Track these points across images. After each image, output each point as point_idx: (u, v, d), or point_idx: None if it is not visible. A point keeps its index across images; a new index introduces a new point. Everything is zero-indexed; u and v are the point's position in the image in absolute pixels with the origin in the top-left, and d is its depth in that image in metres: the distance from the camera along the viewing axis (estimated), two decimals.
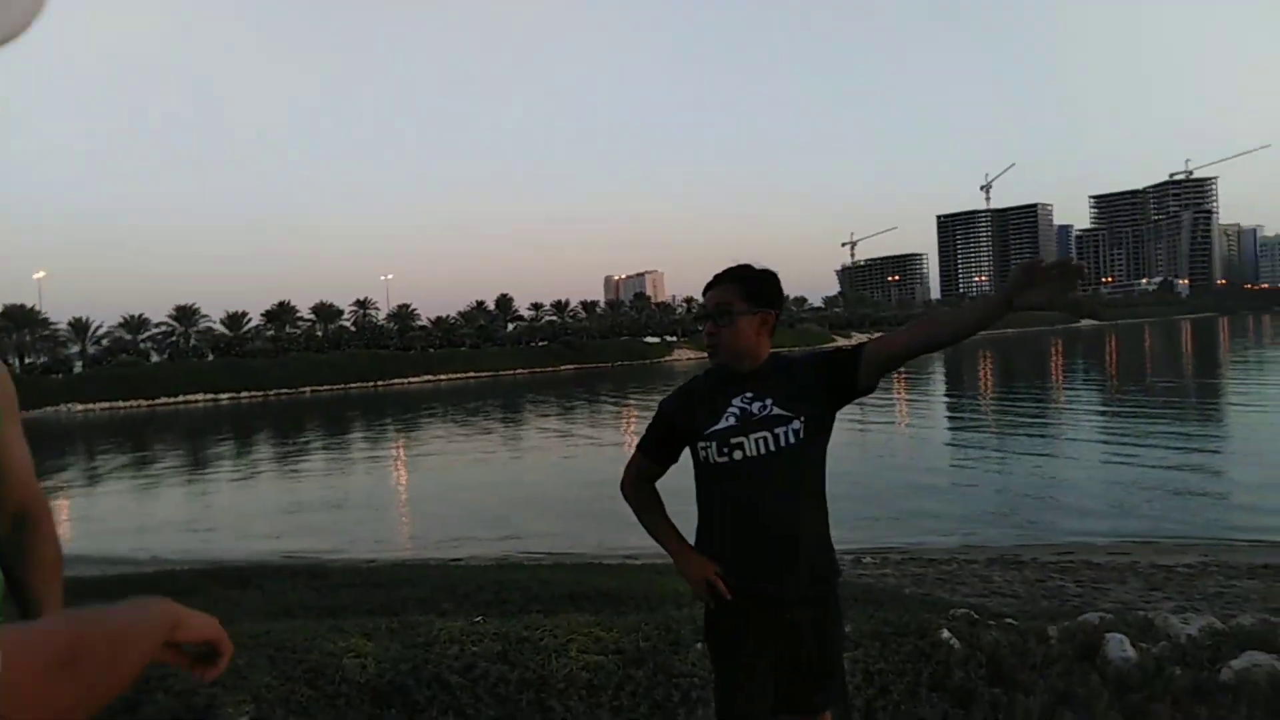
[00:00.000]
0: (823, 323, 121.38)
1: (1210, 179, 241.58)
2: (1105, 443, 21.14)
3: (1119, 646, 3.85)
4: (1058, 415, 28.13)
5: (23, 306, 74.37)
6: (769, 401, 2.25)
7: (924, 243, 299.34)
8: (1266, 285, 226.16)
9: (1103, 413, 28.31)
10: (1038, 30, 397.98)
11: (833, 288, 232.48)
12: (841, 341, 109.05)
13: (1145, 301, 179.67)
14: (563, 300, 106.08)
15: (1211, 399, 31.03)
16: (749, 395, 2.27)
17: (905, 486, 16.61)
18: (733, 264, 2.37)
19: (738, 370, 2.32)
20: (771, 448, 2.22)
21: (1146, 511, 13.22)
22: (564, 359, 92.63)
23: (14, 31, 0.59)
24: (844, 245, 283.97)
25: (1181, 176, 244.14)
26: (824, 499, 2.31)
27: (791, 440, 2.22)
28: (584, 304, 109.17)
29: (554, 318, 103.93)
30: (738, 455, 2.23)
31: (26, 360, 72.49)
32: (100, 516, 18.69)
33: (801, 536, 2.24)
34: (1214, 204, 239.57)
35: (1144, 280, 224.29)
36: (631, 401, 43.47)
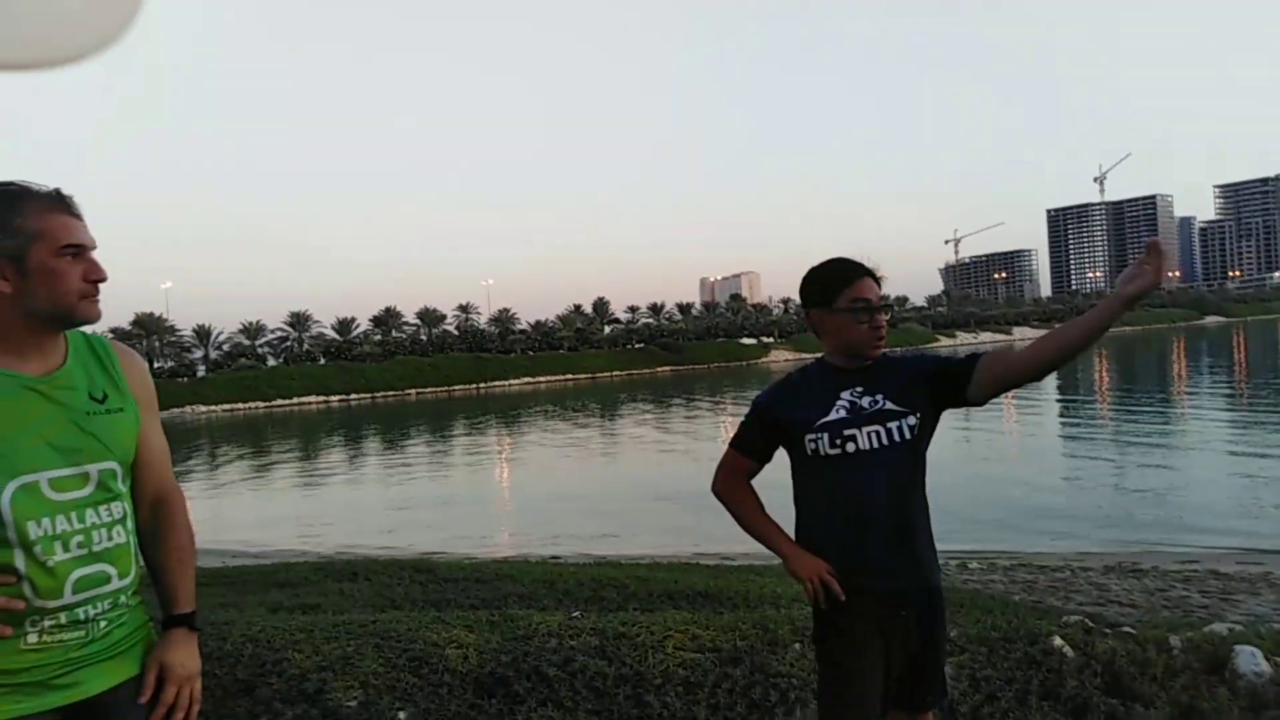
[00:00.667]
0: (925, 322, 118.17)
1: None
2: (1232, 445, 19.91)
3: (1251, 660, 3.61)
4: (1180, 416, 26.67)
5: (152, 315, 79.18)
6: (880, 396, 2.24)
7: (1033, 238, 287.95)
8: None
9: (1229, 414, 26.67)
10: (1151, 14, 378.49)
11: (936, 286, 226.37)
12: (946, 341, 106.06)
13: (1278, 297, 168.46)
14: (658, 303, 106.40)
15: None
16: (859, 390, 2.26)
17: (1015, 489, 16.02)
18: (853, 258, 2.35)
19: (848, 367, 2.31)
20: (885, 441, 2.21)
21: (1273, 522, 12.40)
22: (660, 361, 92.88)
23: (110, 36, 0.62)
24: (947, 243, 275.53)
25: None
26: (927, 495, 2.31)
27: (906, 435, 2.23)
28: (680, 306, 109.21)
29: (650, 320, 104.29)
30: (850, 448, 2.21)
31: (155, 365, 77.09)
32: (220, 511, 19.70)
33: (915, 530, 2.25)
34: None
35: (1276, 274, 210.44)
36: (727, 402, 43.26)
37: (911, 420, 2.23)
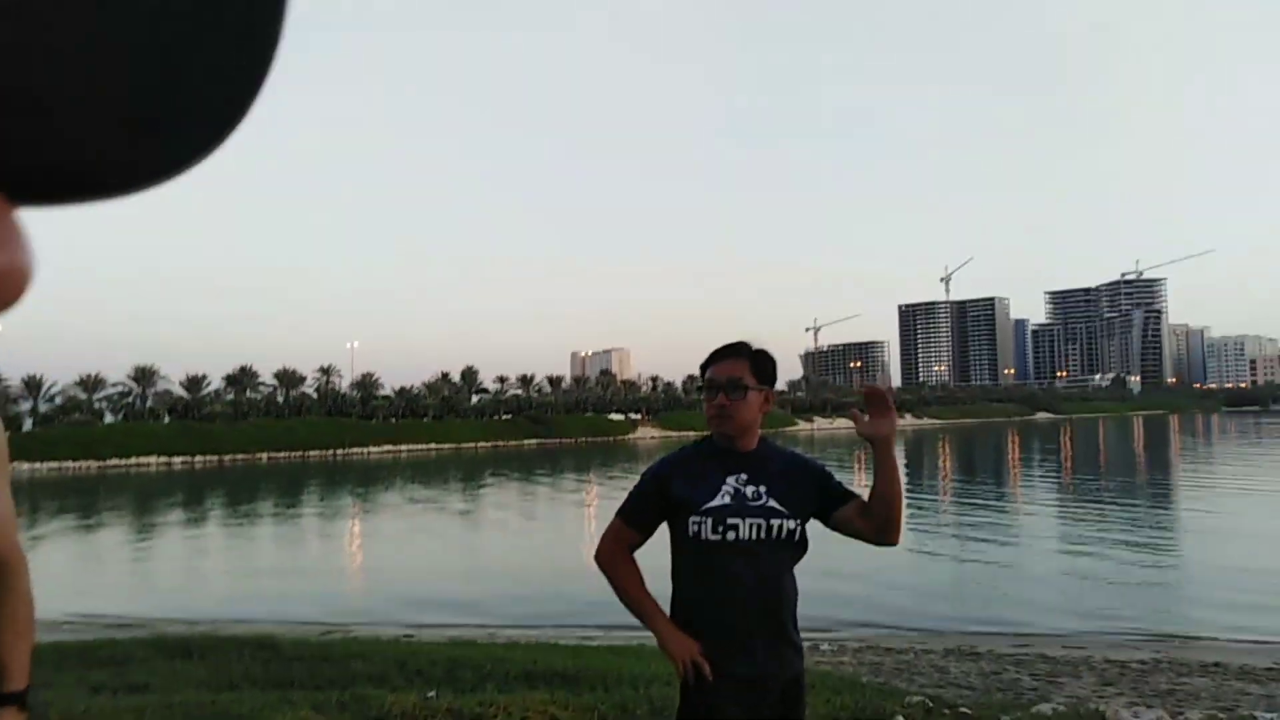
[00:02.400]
0: (785, 406, 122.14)
1: (1160, 280, 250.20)
2: (1062, 534, 21.34)
3: None
4: (1015, 505, 28.39)
5: None
6: (763, 490, 2.30)
7: (886, 330, 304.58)
8: (1214, 385, 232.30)
9: (1059, 504, 28.63)
10: (990, 132, 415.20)
11: (796, 371, 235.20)
12: (804, 425, 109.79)
13: (1099, 396, 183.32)
14: (528, 375, 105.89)
15: (1164, 495, 31.55)
16: (743, 477, 2.31)
17: (863, 573, 16.60)
18: (736, 341, 2.42)
19: (733, 448, 2.35)
20: (764, 535, 2.27)
21: (1101, 605, 13.31)
22: (528, 433, 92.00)
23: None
24: (808, 330, 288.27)
25: (1133, 276, 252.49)
26: (797, 586, 2.39)
27: (783, 535, 2.29)
28: (550, 379, 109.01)
29: (519, 392, 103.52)
30: (731, 536, 2.25)
31: None
32: (40, 579, 18.00)
33: (784, 620, 2.32)
34: (1164, 304, 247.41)
35: (1098, 376, 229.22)
36: (593, 478, 43.17)
37: (792, 525, 2.30)
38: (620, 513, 2.42)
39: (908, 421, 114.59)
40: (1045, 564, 17.04)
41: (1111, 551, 18.08)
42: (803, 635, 2.39)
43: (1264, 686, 8.08)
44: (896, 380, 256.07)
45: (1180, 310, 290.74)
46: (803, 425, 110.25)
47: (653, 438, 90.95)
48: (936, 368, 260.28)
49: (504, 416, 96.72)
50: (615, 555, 2.39)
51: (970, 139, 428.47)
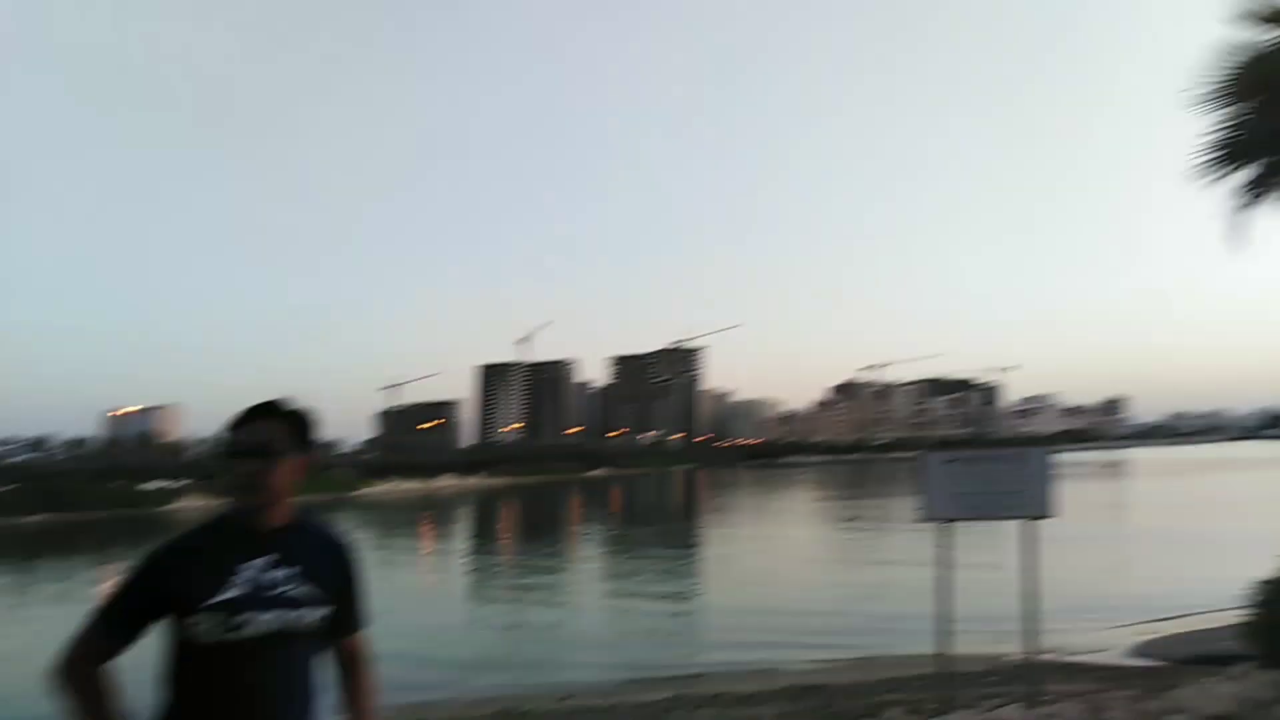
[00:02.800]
0: (357, 467, 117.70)
1: (699, 349, 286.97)
2: (606, 579, 23.13)
3: None
4: (567, 555, 30.19)
5: None
6: (293, 573, 1.96)
7: (464, 390, 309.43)
8: (736, 441, 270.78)
9: (606, 551, 31.05)
10: (569, 193, 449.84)
11: (370, 431, 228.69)
12: (375, 488, 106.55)
13: (648, 454, 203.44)
14: (42, 435, 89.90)
15: (693, 537, 35.80)
16: (266, 560, 1.94)
17: (402, 650, 16.47)
18: (270, 399, 2.06)
19: (257, 525, 1.98)
20: (288, 630, 1.93)
21: (634, 647, 14.58)
22: (35, 506, 77.48)
23: None
24: (383, 389, 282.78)
25: (679, 345, 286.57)
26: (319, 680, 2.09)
27: (311, 626, 1.97)
28: (71, 441, 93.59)
29: (30, 456, 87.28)
30: (244, 635, 1.88)
31: None
32: None
33: None
34: (701, 370, 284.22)
35: (648, 434, 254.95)
36: (112, 564, 37.50)
37: (321, 614, 1.99)
38: (98, 614, 1.93)
39: (477, 481, 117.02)
40: (589, 616, 18.28)
41: (649, 600, 19.96)
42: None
43: (754, 710, 9.40)
44: (471, 438, 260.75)
45: (714, 375, 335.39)
46: (374, 488, 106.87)
47: (197, 508, 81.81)
48: (510, 426, 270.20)
49: (8, 486, 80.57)
50: (83, 668, 1.89)
51: (552, 211, 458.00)
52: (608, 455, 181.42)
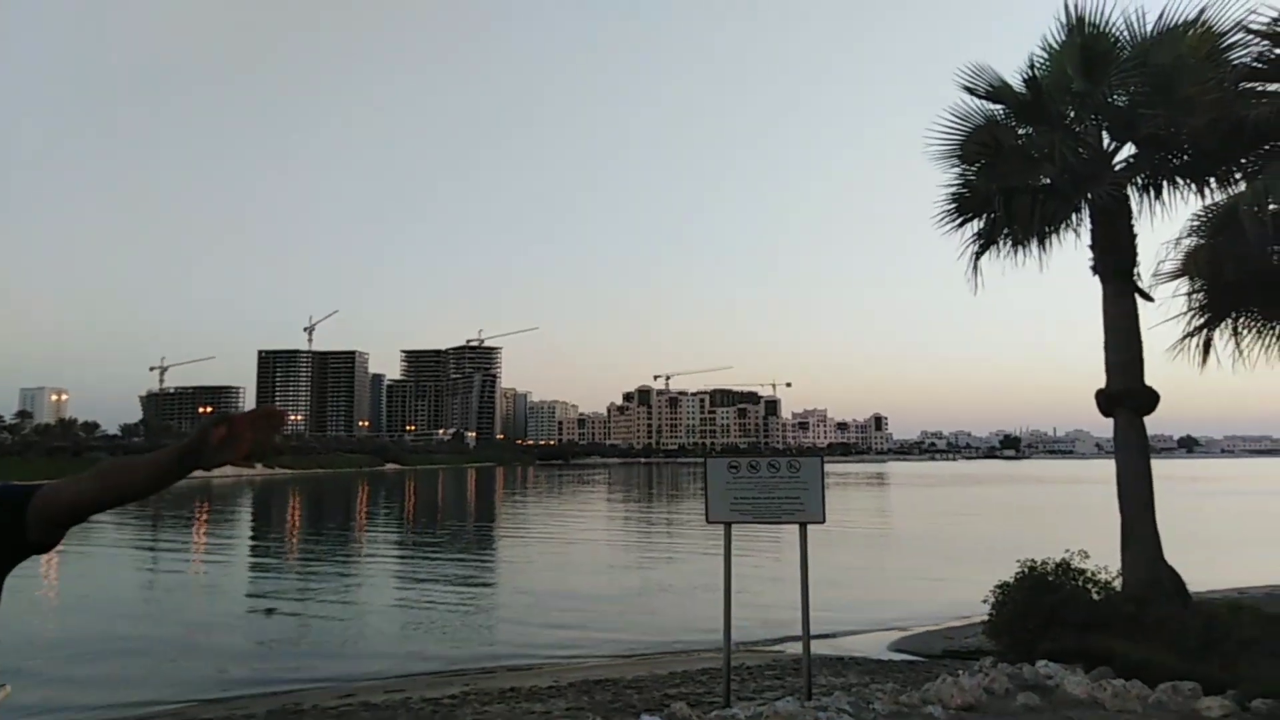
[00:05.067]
0: (117, 451, 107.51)
1: (497, 348, 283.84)
2: (397, 577, 22.45)
3: None
4: (356, 551, 29.05)
5: None
6: None
7: (244, 376, 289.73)
8: (532, 441, 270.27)
9: (396, 549, 30.14)
10: (353, 177, 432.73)
11: (135, 414, 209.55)
12: None
13: (442, 450, 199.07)
14: None
15: (487, 536, 35.44)
16: None
17: (192, 626, 15.34)
18: None
19: None
20: None
21: (426, 644, 14.27)
22: None
23: None
24: (153, 370, 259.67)
25: (475, 343, 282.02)
26: None
27: None
28: None
29: None
30: None
31: None
32: None
33: None
34: (498, 370, 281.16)
35: (441, 431, 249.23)
36: None
37: None
38: None
39: (258, 471, 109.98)
40: (376, 609, 17.71)
41: (438, 593, 19.59)
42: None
43: (546, 704, 9.46)
44: None
45: (511, 376, 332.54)
46: None
47: None
48: (294, 417, 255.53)
49: None
50: None
51: (340, 195, 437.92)
52: (398, 451, 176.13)
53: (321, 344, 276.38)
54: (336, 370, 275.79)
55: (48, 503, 1.65)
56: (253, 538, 36.55)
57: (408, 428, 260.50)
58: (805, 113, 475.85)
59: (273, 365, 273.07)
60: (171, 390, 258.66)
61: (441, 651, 13.70)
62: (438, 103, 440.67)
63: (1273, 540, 29.87)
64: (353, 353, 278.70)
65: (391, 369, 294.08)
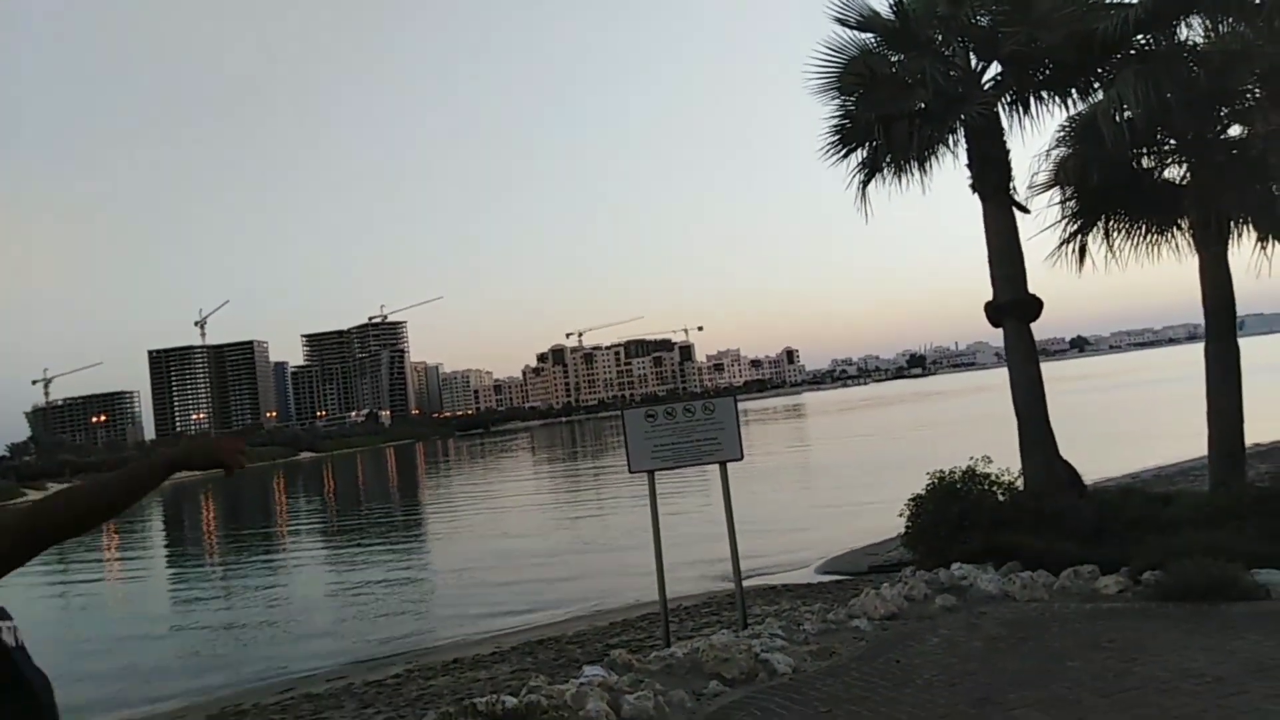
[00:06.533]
0: (9, 474, 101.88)
1: (402, 323, 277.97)
2: (326, 568, 22.14)
3: None
4: (281, 547, 28.44)
5: None
6: None
7: (136, 380, 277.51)
8: (449, 414, 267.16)
9: (321, 540, 29.62)
10: (247, 166, 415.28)
11: (22, 432, 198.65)
12: (35, 495, 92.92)
13: (356, 433, 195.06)
14: None
15: (413, 515, 35.11)
16: None
17: (116, 642, 14.87)
18: None
19: None
20: None
21: (363, 630, 14.18)
22: None
23: None
24: (35, 383, 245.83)
25: (379, 319, 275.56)
26: None
27: None
28: None
29: None
30: None
31: None
32: None
33: None
34: (406, 344, 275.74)
35: (354, 413, 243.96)
36: None
37: None
38: None
39: None
40: (310, 601, 17.48)
41: (370, 579, 19.39)
42: None
43: (490, 670, 9.57)
44: (150, 432, 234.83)
45: (420, 349, 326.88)
46: (34, 495, 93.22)
47: None
48: (195, 416, 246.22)
49: None
50: None
51: (221, 180, 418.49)
52: (311, 438, 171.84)
53: (217, 337, 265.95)
54: (236, 362, 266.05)
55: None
56: (168, 545, 35.42)
57: (319, 414, 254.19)
58: (693, 54, 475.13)
59: (166, 364, 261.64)
60: (60, 402, 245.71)
61: (379, 636, 13.64)
62: (312, 74, 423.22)
63: (1156, 425, 31.92)
64: (250, 342, 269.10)
65: (294, 355, 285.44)
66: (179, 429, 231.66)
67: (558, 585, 16.03)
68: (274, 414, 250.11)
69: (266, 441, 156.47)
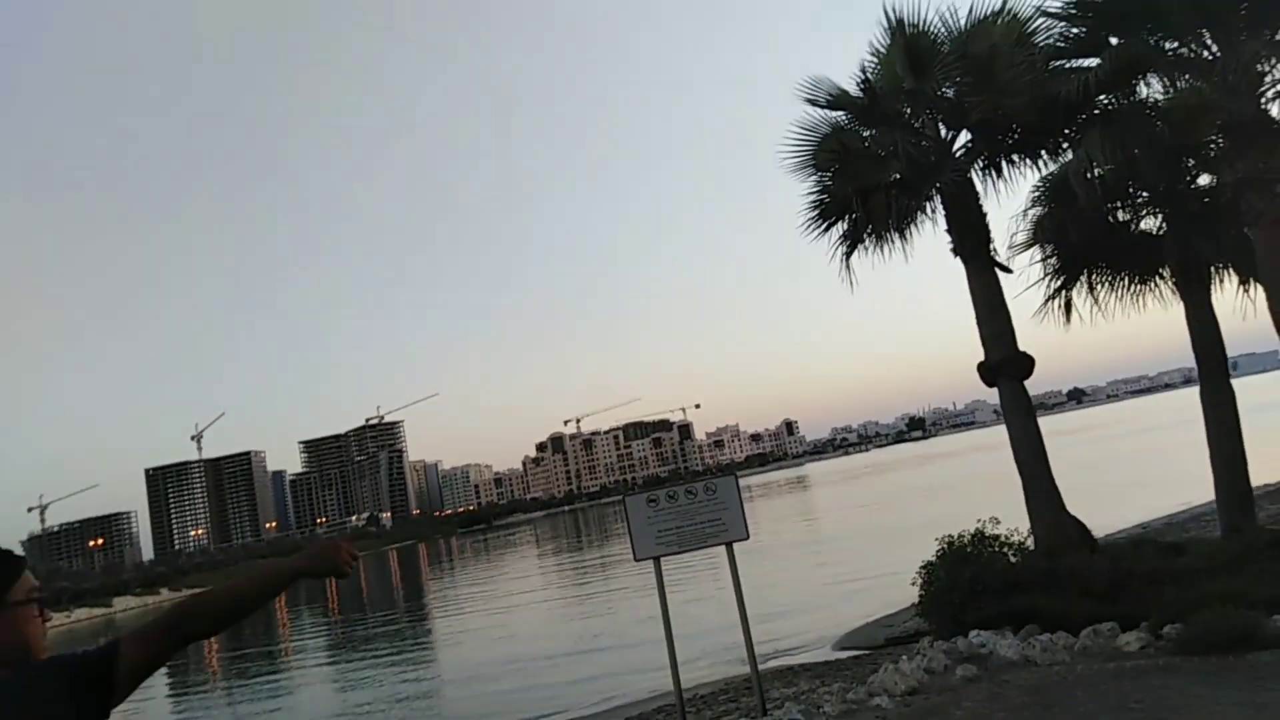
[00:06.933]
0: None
1: (399, 422, 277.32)
2: (332, 685, 21.53)
3: None
4: (284, 665, 27.74)
5: None
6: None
7: (133, 500, 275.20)
8: (450, 511, 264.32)
9: (325, 654, 28.90)
10: (242, 280, 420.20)
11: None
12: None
13: (357, 536, 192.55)
14: None
15: (419, 621, 34.38)
16: None
17: None
18: None
19: None
20: None
21: None
22: None
23: None
24: (31, 510, 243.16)
25: (376, 420, 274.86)
26: None
27: None
28: None
29: None
30: None
31: None
32: None
33: None
34: (403, 444, 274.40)
35: (354, 517, 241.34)
36: None
37: None
38: None
39: (164, 597, 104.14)
40: (316, 710, 16.98)
41: (378, 695, 18.86)
42: None
43: None
44: (149, 552, 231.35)
45: (418, 448, 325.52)
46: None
47: None
48: (194, 532, 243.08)
49: None
50: None
51: (208, 295, 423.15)
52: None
53: (213, 450, 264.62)
54: (233, 475, 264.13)
55: (139, 655, 1.72)
56: (166, 672, 34.49)
57: (318, 521, 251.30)
58: (677, 125, 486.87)
59: (162, 482, 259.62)
60: (56, 528, 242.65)
61: None
62: (299, 171, 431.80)
63: (1161, 473, 31.73)
64: (248, 453, 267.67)
65: (292, 463, 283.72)
66: (177, 547, 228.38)
67: (570, 685, 15.61)
68: (274, 524, 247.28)
69: (267, 553, 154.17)
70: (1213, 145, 10.80)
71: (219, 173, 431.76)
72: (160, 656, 1.75)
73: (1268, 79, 9.96)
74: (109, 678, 1.69)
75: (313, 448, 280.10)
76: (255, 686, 23.71)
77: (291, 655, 30.61)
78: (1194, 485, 15.27)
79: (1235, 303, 11.49)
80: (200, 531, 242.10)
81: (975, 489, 39.45)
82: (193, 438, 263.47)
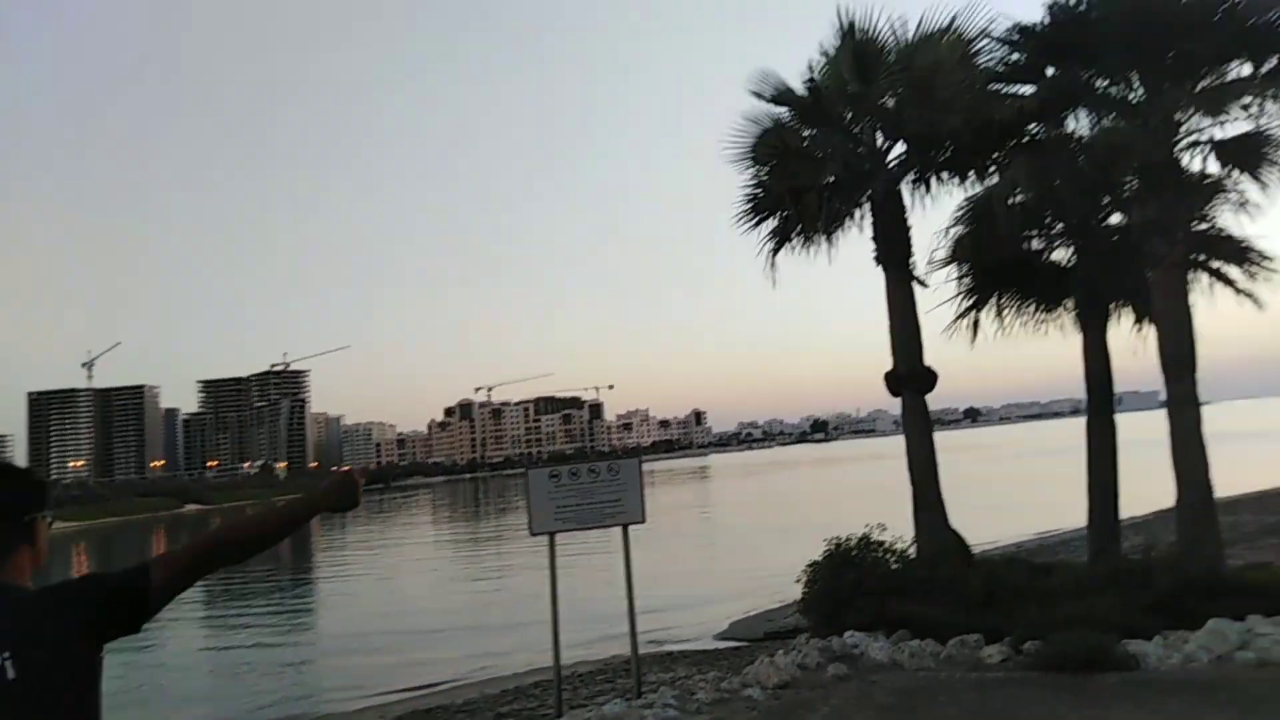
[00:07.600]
0: None
1: (305, 371, 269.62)
2: (204, 633, 20.86)
3: None
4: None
5: None
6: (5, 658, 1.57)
7: (11, 422, 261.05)
8: (348, 467, 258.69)
9: (201, 603, 27.99)
10: (149, 208, 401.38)
11: None
12: None
13: (249, 484, 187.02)
14: None
15: (303, 576, 33.60)
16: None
17: None
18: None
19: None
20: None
21: (242, 701, 13.34)
22: None
23: None
24: None
25: (281, 367, 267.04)
26: None
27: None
28: None
29: None
30: None
31: None
32: None
33: None
34: (307, 394, 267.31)
35: (247, 464, 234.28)
36: None
37: (67, 697, 1.68)
38: None
39: None
40: (189, 663, 16.43)
41: (250, 643, 18.36)
42: None
43: None
44: None
45: (323, 400, 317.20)
46: None
47: None
48: (74, 463, 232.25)
49: None
50: None
51: (117, 218, 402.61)
52: (200, 490, 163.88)
53: (105, 380, 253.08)
54: (124, 407, 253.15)
55: (169, 576, 1.83)
56: None
57: (209, 464, 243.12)
58: (614, 115, 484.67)
59: (46, 407, 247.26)
60: None
61: (256, 704, 12.86)
62: (229, 114, 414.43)
63: (1041, 495, 33.15)
64: (141, 387, 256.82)
65: (188, 402, 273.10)
66: (54, 476, 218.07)
67: (451, 651, 15.45)
68: (161, 463, 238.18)
69: (148, 492, 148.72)
70: (1128, 186, 11.20)
71: (131, 91, 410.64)
72: (187, 581, 1.88)
73: (1183, 128, 10.36)
74: (142, 597, 1.82)
75: (212, 388, 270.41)
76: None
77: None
78: (1068, 511, 15.96)
79: (1128, 340, 11.99)
80: (81, 463, 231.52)
81: (867, 495, 40.52)
82: (84, 364, 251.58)
